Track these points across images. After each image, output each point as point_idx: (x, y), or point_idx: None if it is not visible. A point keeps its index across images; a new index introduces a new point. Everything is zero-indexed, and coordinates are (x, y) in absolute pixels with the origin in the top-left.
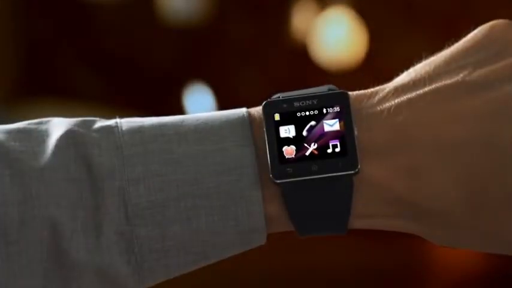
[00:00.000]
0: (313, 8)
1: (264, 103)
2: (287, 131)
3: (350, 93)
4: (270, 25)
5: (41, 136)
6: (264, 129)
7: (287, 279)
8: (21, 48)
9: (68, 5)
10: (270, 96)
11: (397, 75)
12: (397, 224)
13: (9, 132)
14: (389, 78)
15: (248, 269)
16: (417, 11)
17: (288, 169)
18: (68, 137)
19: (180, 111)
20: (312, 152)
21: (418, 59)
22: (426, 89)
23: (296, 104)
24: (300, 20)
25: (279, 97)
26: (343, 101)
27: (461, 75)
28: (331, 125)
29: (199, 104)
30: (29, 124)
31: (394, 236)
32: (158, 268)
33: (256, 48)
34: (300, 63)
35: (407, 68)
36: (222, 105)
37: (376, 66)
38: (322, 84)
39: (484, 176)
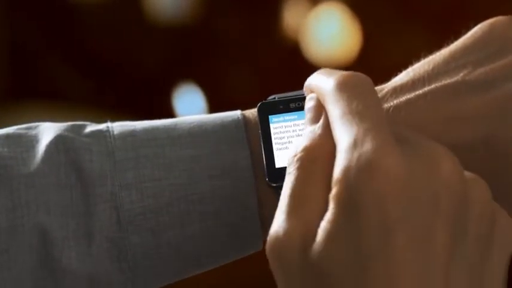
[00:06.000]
0: (305, 3)
1: (258, 105)
2: None
3: None
4: (261, 22)
5: (30, 142)
6: (259, 131)
7: None
8: (5, 51)
9: (52, 5)
10: (264, 97)
11: (393, 73)
12: None
13: None
14: (384, 76)
15: (247, 271)
16: (413, 6)
17: (285, 172)
18: (57, 142)
19: (170, 112)
20: None
21: (415, 57)
22: (425, 89)
23: (292, 105)
24: (292, 16)
25: (275, 98)
26: None
27: (461, 74)
28: None
29: (190, 105)
30: (18, 129)
31: None
32: (151, 275)
33: (247, 47)
34: (292, 61)
35: (402, 65)
36: (213, 105)
37: (371, 64)
38: None
39: (484, 176)
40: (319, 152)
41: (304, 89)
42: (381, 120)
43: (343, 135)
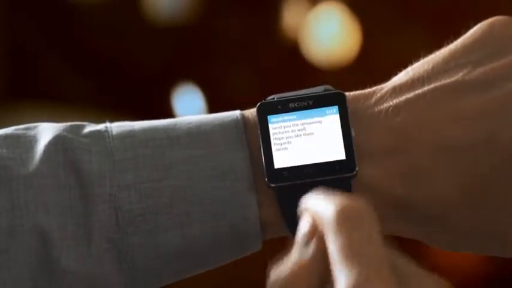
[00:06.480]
0: (304, 3)
1: (258, 105)
2: None
3: (347, 93)
4: (260, 22)
5: (28, 142)
6: (259, 132)
7: None
8: (5, 51)
9: (52, 5)
10: (264, 97)
11: (393, 73)
12: (397, 228)
13: None
14: (384, 76)
15: (247, 271)
16: (413, 6)
17: (284, 172)
18: (56, 142)
19: (170, 112)
20: None
21: (415, 56)
22: (425, 88)
23: (291, 105)
24: (292, 16)
25: (274, 98)
26: (339, 101)
27: (460, 74)
28: None
29: (190, 105)
30: (16, 130)
31: (395, 237)
32: (151, 276)
33: (247, 47)
34: (292, 61)
35: (402, 65)
36: (213, 105)
37: (370, 63)
38: (314, 82)
39: (484, 177)
40: (299, 285)
41: (301, 211)
42: (381, 261)
43: (343, 276)
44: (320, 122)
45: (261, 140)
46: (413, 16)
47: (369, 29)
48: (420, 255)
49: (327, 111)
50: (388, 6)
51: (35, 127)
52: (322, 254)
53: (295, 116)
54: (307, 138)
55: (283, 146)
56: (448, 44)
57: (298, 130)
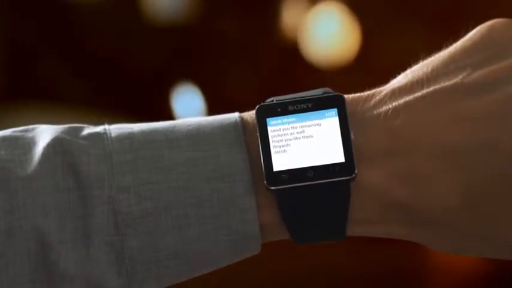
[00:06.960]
0: (304, 3)
1: (257, 107)
2: None
3: (346, 96)
4: (259, 22)
5: (27, 144)
6: (258, 134)
7: (286, 283)
8: (4, 51)
9: (50, 5)
10: (263, 99)
11: (392, 73)
12: (397, 231)
13: None
14: (384, 76)
15: (246, 273)
16: (413, 6)
17: (283, 175)
18: (55, 144)
19: (168, 112)
20: None
21: (415, 56)
22: (424, 91)
23: (290, 107)
24: (290, 16)
25: (273, 101)
26: (338, 104)
27: (460, 76)
28: None
29: (190, 105)
30: (14, 132)
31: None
32: (149, 279)
33: (247, 47)
34: (291, 61)
35: (402, 65)
36: (212, 105)
37: (369, 63)
38: (313, 82)
39: (484, 180)
40: None
41: None
42: None
43: None
44: (319, 124)
45: (260, 143)
46: (413, 16)
47: (369, 29)
48: (420, 255)
49: (326, 114)
50: (388, 6)
51: (33, 129)
52: None
53: (294, 119)
54: (306, 140)
55: (282, 148)
56: (447, 45)
57: (297, 133)
